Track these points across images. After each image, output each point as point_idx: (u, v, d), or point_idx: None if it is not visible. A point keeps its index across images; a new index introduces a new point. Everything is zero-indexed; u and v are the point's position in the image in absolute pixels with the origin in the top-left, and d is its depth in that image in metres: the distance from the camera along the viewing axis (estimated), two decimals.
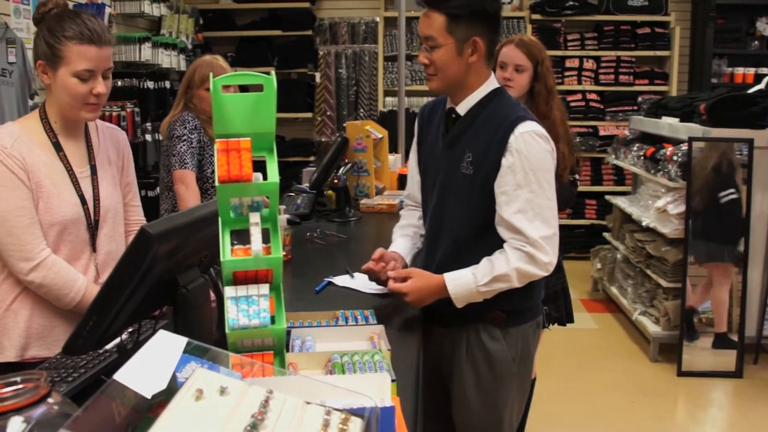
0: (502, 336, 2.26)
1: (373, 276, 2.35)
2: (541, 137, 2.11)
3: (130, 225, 2.35)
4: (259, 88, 1.36)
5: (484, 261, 2.14)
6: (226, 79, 1.35)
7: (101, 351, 1.79)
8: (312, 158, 7.54)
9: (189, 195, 3.21)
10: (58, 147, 2.07)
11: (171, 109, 3.49)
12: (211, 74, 1.45)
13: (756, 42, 7.30)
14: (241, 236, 1.38)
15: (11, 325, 2.05)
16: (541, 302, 2.42)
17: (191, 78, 3.38)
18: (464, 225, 2.23)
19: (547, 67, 3.10)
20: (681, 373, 4.66)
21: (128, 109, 5.45)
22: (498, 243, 2.15)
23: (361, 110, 7.60)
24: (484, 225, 2.18)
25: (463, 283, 2.13)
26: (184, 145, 3.27)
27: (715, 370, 4.66)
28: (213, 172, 3.19)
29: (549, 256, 2.10)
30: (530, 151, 2.08)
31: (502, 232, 2.14)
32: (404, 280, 2.21)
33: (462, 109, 2.22)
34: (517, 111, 2.16)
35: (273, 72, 1.37)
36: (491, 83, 2.22)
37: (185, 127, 3.29)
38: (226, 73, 3.04)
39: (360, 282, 2.54)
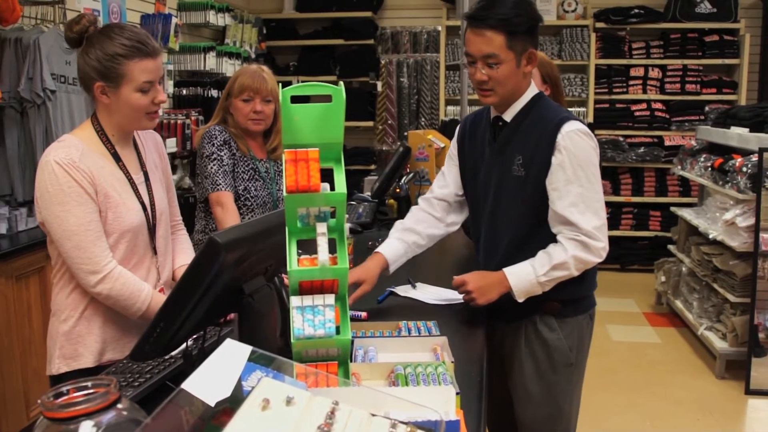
0: (558, 326, 2.36)
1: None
2: (585, 135, 2.22)
3: (173, 226, 2.40)
4: (324, 98, 1.36)
5: (541, 253, 2.23)
6: (296, 89, 1.35)
7: (166, 357, 1.82)
8: (373, 167, 7.56)
9: (227, 216, 2.98)
10: (116, 157, 2.11)
11: (212, 118, 3.25)
12: (279, 85, 1.45)
13: None
14: (308, 246, 1.38)
15: (85, 332, 2.08)
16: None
17: (231, 86, 3.11)
18: (519, 224, 2.31)
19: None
20: (749, 392, 4.53)
21: (192, 117, 5.56)
22: (551, 238, 2.24)
23: (423, 119, 7.60)
24: (537, 222, 2.27)
25: (524, 275, 2.22)
26: (214, 164, 3.01)
27: None
28: (245, 189, 3.04)
29: (602, 242, 2.21)
30: (577, 149, 2.19)
31: (556, 226, 2.24)
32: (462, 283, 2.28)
33: (508, 116, 2.32)
34: (560, 113, 2.28)
35: (341, 83, 1.37)
36: (533, 89, 2.34)
37: (213, 144, 3.04)
38: (265, 85, 3.06)
39: (422, 292, 2.53)
